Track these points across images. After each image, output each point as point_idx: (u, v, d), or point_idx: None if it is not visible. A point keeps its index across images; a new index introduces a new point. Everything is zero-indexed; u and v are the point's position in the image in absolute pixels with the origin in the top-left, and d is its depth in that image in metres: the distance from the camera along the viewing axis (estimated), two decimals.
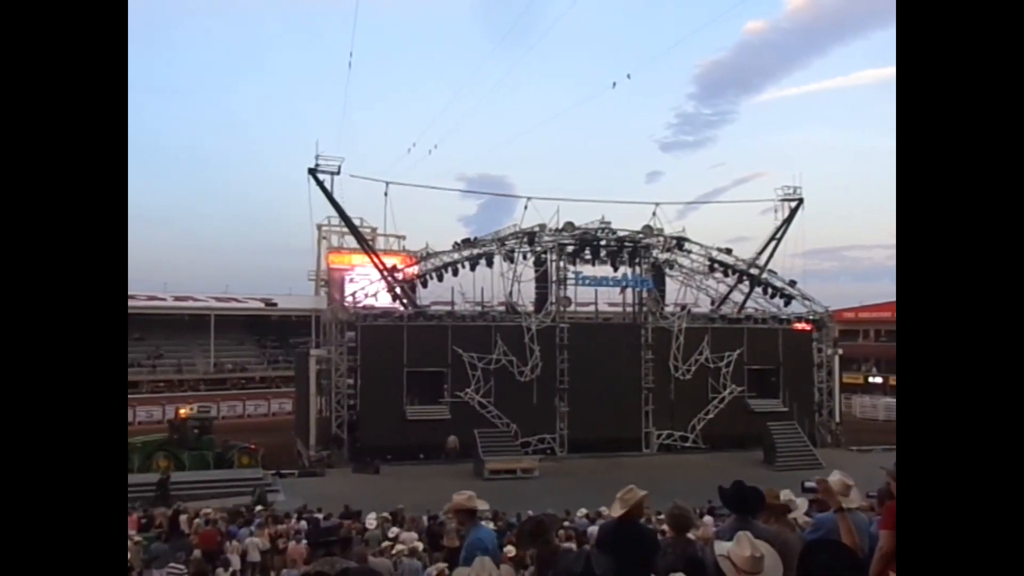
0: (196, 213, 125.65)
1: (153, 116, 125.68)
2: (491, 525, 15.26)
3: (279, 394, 51.94)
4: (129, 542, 15.30)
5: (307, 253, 55.47)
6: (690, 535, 6.04)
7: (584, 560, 5.31)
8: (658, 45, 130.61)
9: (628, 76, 41.04)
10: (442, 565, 8.51)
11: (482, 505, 6.80)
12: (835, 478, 5.28)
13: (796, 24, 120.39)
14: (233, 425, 44.18)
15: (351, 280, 49.46)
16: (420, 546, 11.94)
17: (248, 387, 54.13)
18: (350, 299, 37.86)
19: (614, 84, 40.46)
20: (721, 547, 3.90)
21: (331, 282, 55.28)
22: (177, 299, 55.62)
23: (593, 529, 14.76)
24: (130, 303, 50.72)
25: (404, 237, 58.90)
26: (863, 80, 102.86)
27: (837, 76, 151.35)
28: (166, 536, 16.09)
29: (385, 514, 16.36)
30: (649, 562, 5.52)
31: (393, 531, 14.04)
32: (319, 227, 56.67)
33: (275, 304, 58.12)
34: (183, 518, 18.41)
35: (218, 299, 56.49)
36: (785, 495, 5.98)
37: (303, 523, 17.64)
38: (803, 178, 46.44)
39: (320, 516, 18.62)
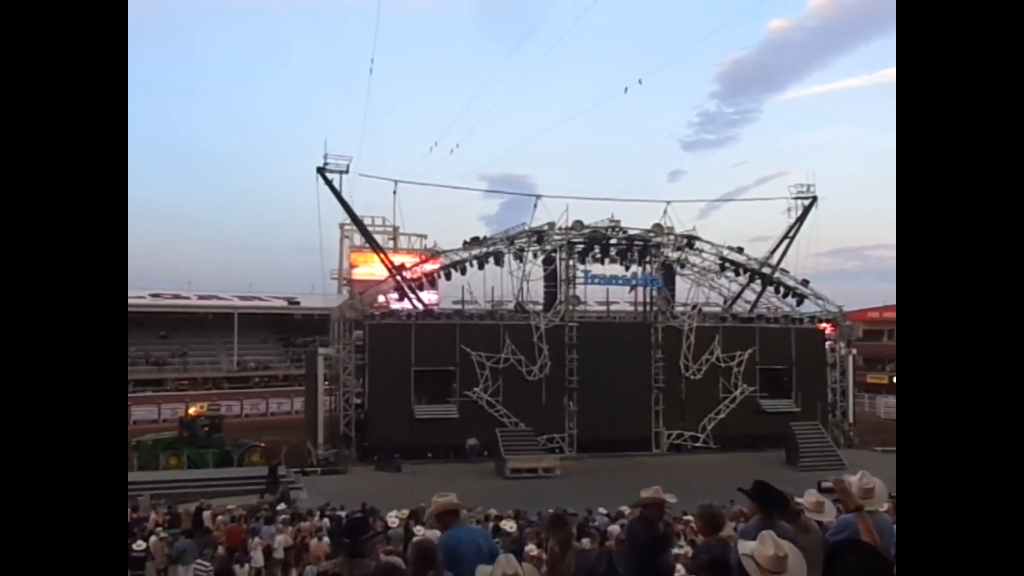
0: (220, 212, 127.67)
1: (177, 117, 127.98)
2: (512, 524, 15.39)
3: (301, 392, 52.43)
4: (154, 538, 15.69)
5: (330, 252, 55.93)
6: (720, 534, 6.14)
7: (607, 559, 5.39)
8: (681, 43, 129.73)
9: (640, 81, 42.23)
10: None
11: (463, 505, 6.81)
12: (856, 478, 5.27)
13: (820, 22, 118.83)
14: (256, 423, 44.86)
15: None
16: None
17: (271, 385, 54.73)
18: (358, 298, 38.11)
19: (626, 89, 40.96)
20: (745, 546, 3.92)
21: (353, 281, 55.73)
22: (201, 298, 56.46)
23: (613, 528, 14.82)
24: (155, 302, 51.86)
25: (425, 236, 59.41)
26: (887, 78, 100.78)
27: (861, 74, 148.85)
28: (189, 532, 16.40)
29: (405, 512, 16.52)
30: (655, 562, 5.68)
31: (418, 529, 14.16)
32: (341, 226, 57.27)
33: (298, 303, 58.70)
34: (206, 515, 18.75)
35: (242, 298, 57.23)
36: (815, 496, 6.01)
37: (326, 520, 17.82)
38: (823, 177, 46.15)
39: (343, 514, 18.82)
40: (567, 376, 35.67)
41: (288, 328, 59.74)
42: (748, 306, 40.87)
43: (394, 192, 36.57)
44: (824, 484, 5.44)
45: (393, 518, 15.59)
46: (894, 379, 54.81)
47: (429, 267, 37.45)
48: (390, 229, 54.31)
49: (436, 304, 38.65)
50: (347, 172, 34.64)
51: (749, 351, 37.67)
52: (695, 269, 39.30)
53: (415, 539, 7.89)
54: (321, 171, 34.52)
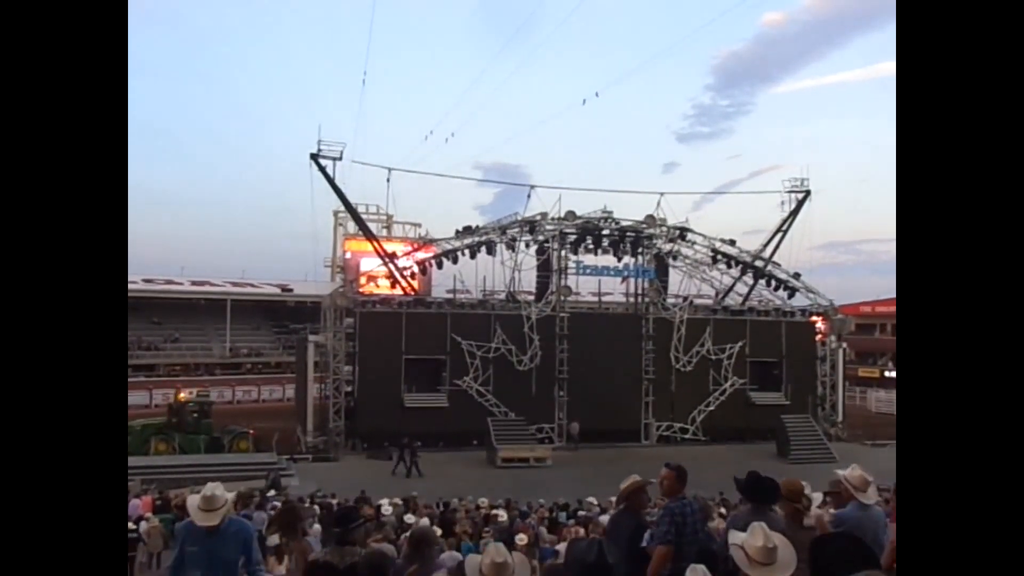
0: (214, 198, 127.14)
1: (172, 101, 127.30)
2: (503, 514, 15.40)
3: (293, 379, 52.32)
4: (146, 524, 15.66)
5: (323, 239, 55.81)
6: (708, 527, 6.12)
7: (596, 549, 5.38)
8: (676, 34, 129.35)
9: (596, 95, 48.74)
10: (456, 554, 8.30)
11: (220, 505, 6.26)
12: (854, 472, 5.24)
13: (815, 15, 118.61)
14: (248, 410, 44.74)
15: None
16: (438, 531, 11.99)
17: (263, 372, 54.61)
18: (353, 284, 38.08)
19: (584, 101, 42.21)
20: (735, 537, 3.89)
21: (347, 268, 55.60)
22: (194, 283, 56.30)
23: (603, 518, 14.91)
24: (148, 287, 51.70)
25: (419, 225, 59.22)
26: (882, 72, 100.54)
27: (855, 68, 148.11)
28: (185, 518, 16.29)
29: (397, 500, 16.54)
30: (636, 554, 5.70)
31: (409, 518, 14.20)
32: (335, 213, 57.07)
33: (291, 290, 58.60)
34: None
35: (235, 284, 57.13)
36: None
37: (316, 507, 17.80)
38: (818, 171, 46.28)
39: (334, 501, 18.78)
40: (558, 366, 35.66)
41: (281, 315, 59.59)
42: (740, 299, 40.91)
43: (388, 180, 36.58)
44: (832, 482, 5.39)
45: (387, 506, 15.67)
46: (886, 373, 55.01)
47: (421, 255, 37.37)
48: (383, 217, 54.08)
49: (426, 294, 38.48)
50: (341, 159, 34.56)
51: (740, 344, 37.70)
52: (687, 261, 39.36)
53: (413, 528, 7.84)
54: (315, 157, 34.39)
